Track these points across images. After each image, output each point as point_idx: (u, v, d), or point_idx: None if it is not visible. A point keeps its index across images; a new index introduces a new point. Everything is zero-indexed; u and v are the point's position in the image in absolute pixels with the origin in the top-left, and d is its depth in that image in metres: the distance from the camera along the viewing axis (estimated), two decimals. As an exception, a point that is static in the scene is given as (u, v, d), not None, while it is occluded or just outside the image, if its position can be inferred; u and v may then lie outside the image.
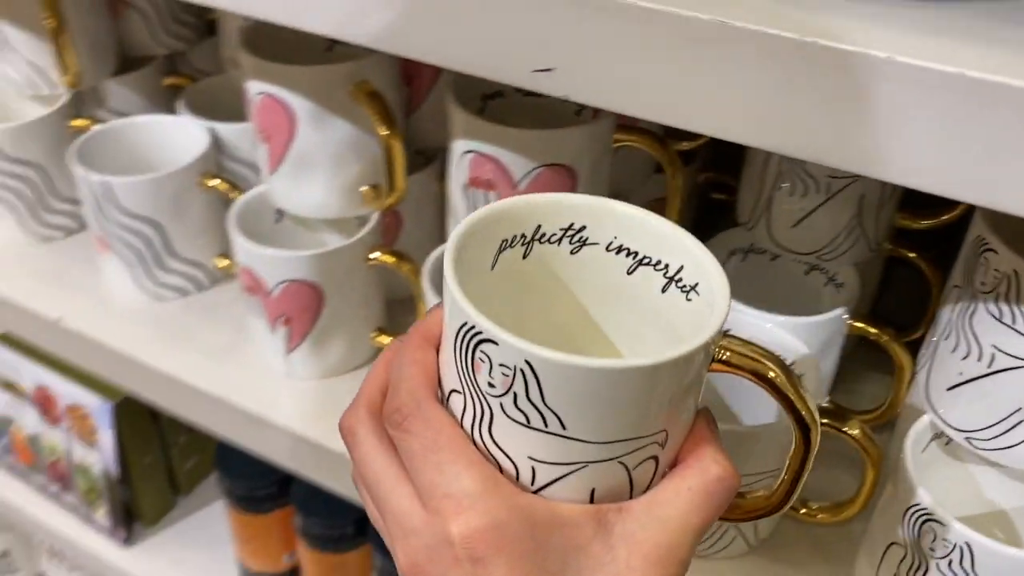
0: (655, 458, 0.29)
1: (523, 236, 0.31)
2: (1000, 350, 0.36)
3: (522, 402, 0.27)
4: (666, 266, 0.31)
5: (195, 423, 0.58)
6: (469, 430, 0.29)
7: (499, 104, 0.48)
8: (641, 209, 0.31)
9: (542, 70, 0.32)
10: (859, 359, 0.54)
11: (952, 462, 0.42)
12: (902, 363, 0.47)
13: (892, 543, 0.40)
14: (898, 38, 0.27)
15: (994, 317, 0.36)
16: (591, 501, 0.29)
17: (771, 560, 0.46)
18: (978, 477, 0.43)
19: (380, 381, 0.32)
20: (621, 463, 0.28)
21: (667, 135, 0.45)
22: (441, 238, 0.60)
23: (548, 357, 0.26)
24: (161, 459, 0.79)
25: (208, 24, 0.71)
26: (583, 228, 0.32)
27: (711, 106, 0.30)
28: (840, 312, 0.47)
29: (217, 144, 0.61)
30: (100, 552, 0.79)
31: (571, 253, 0.32)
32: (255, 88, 0.49)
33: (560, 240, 0.32)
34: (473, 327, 0.27)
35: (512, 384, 0.27)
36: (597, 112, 0.44)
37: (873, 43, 0.26)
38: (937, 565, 0.38)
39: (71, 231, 0.67)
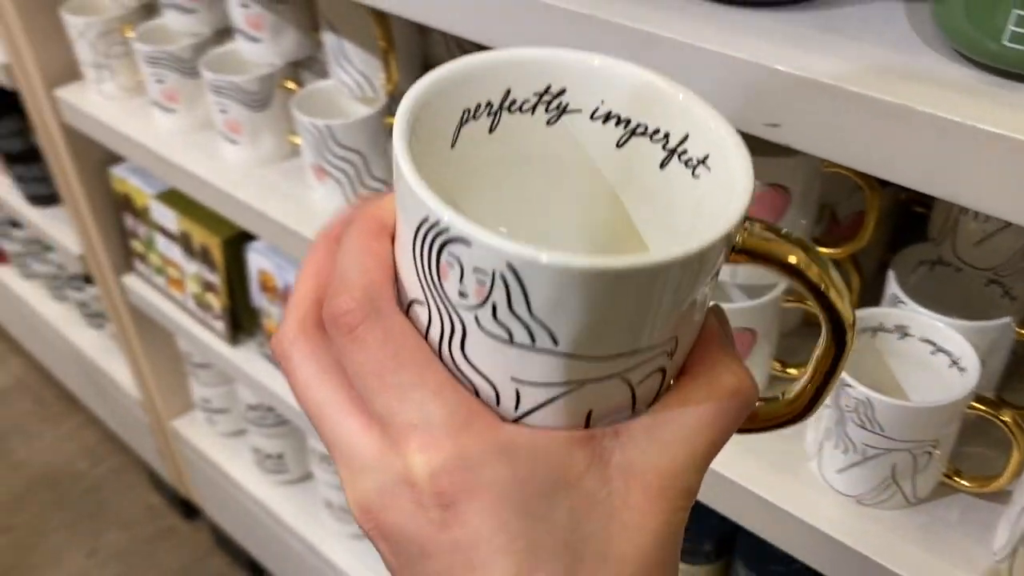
0: (662, 370, 0.25)
1: (488, 104, 0.26)
2: None
3: (503, 314, 0.22)
4: (666, 135, 0.26)
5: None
6: (436, 348, 0.24)
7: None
8: (635, 66, 0.26)
9: (771, 124, 0.44)
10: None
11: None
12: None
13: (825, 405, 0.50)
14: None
15: None
16: (586, 426, 0.25)
17: (926, 516, 0.57)
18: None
19: (315, 287, 0.26)
20: (624, 379, 0.24)
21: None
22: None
23: (537, 259, 0.21)
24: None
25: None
26: (562, 92, 0.26)
27: (908, 159, 0.41)
28: (1008, 320, 0.56)
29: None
30: (213, 346, 0.99)
31: (548, 124, 0.27)
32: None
33: (534, 108, 0.27)
34: (437, 223, 0.21)
35: (490, 293, 0.22)
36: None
37: None
38: (850, 418, 0.47)
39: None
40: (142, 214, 1.13)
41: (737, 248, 0.25)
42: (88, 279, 1.45)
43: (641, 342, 0.23)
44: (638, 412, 0.25)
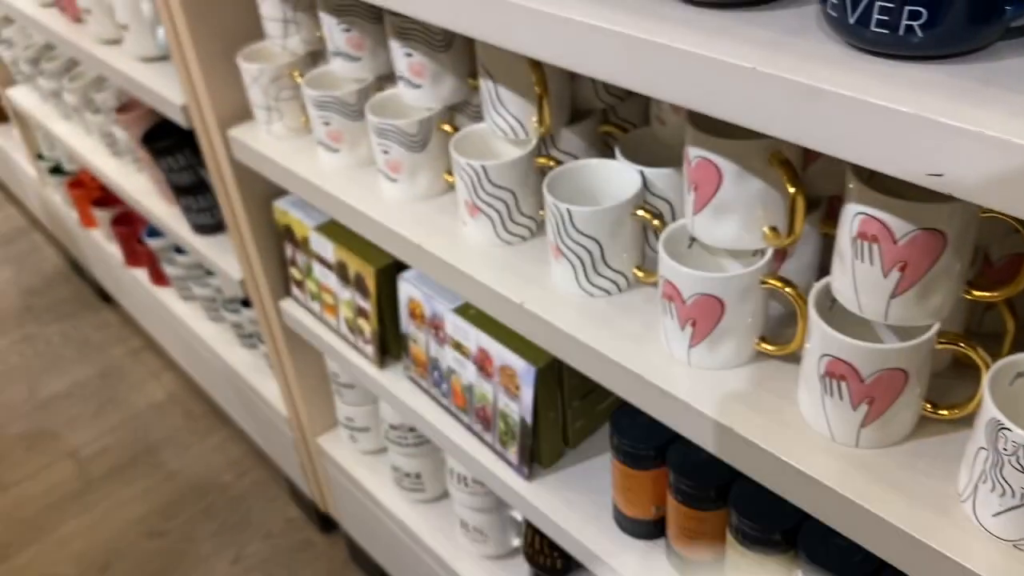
0: None
1: None
2: None
3: None
4: None
5: (610, 388, 0.78)
6: None
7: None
8: None
9: (934, 175, 0.46)
10: None
11: None
12: None
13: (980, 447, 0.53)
14: None
15: None
16: None
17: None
18: None
19: None
20: None
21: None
22: (817, 268, 0.75)
23: None
24: (559, 417, 1.01)
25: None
26: None
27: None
28: None
29: (644, 183, 0.80)
30: (508, 481, 1.02)
31: None
32: (693, 152, 0.67)
33: None
34: None
35: None
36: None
37: None
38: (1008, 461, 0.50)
39: (526, 238, 0.90)
40: (302, 244, 1.21)
41: None
42: (246, 302, 1.55)
43: None
44: None
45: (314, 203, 1.08)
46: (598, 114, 0.90)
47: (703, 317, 0.70)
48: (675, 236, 0.73)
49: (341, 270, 1.16)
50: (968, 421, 0.61)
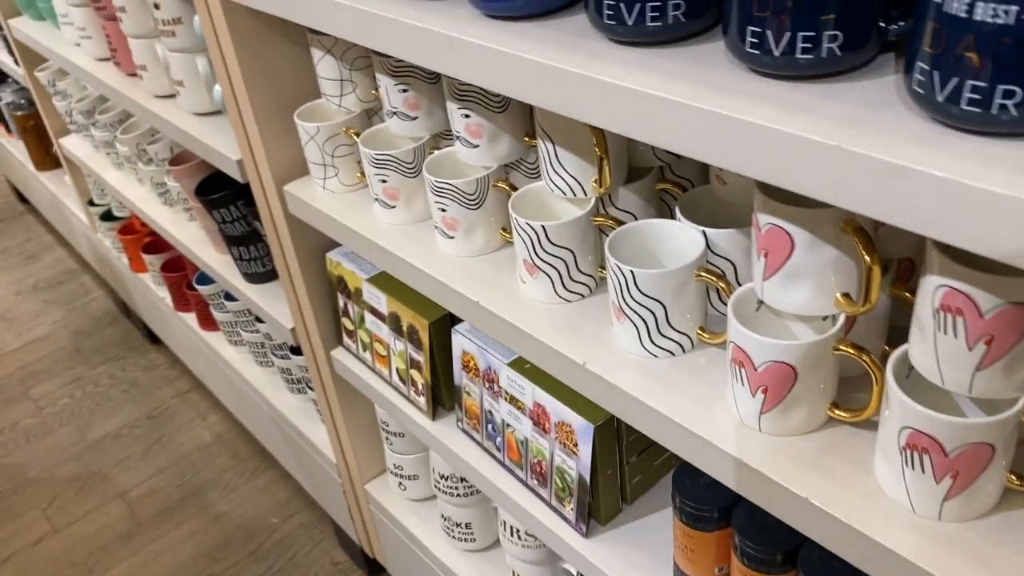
0: None
1: None
2: None
3: None
4: None
5: (677, 452, 0.77)
6: None
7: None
8: None
9: (1030, 257, 0.45)
10: None
11: None
12: None
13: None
14: None
15: None
16: None
17: None
18: None
19: None
20: None
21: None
22: (888, 335, 0.73)
23: None
24: (617, 473, 1.00)
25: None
26: None
27: None
28: None
29: (706, 243, 0.79)
30: (565, 538, 1.01)
31: None
32: (764, 219, 0.66)
33: None
34: None
35: None
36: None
37: None
38: None
39: (585, 296, 0.89)
40: (354, 295, 1.22)
41: None
42: (294, 349, 1.56)
43: None
44: None
45: (370, 258, 1.08)
46: (655, 172, 0.90)
47: (775, 384, 0.69)
48: (742, 299, 0.72)
49: (394, 322, 1.16)
50: (1057, 496, 0.59)
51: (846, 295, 0.66)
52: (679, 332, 0.79)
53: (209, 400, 2.23)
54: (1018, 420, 0.59)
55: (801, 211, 0.63)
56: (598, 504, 1.00)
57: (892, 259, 0.72)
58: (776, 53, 0.55)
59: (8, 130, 2.81)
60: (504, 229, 0.97)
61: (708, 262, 0.80)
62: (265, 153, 1.16)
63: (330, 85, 1.07)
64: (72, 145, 2.10)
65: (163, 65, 1.36)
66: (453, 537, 1.39)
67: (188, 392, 2.28)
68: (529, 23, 0.72)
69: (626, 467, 1.00)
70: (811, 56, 0.54)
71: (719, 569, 0.90)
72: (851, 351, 0.67)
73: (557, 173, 0.86)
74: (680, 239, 0.81)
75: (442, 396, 1.18)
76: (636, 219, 0.89)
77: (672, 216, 0.90)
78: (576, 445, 0.95)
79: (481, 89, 0.89)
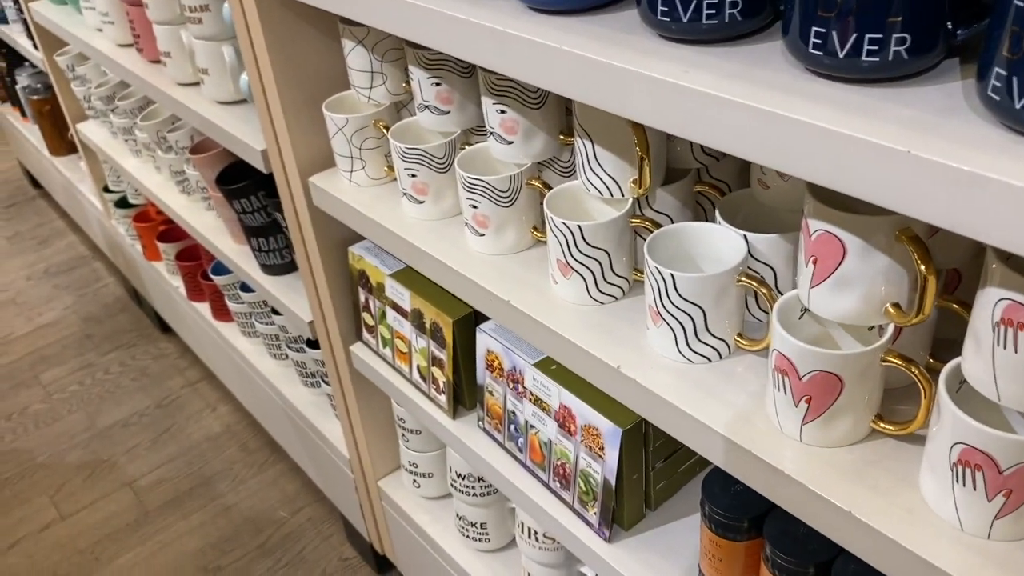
0: None
1: None
2: None
3: None
4: None
5: (713, 460, 0.75)
6: None
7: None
8: None
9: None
10: None
11: None
12: None
13: None
14: None
15: None
16: None
17: None
18: None
19: None
20: None
21: None
22: (933, 348, 0.72)
23: None
24: (642, 479, 0.98)
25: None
26: None
27: None
28: None
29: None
30: (587, 542, 1.00)
31: None
32: (815, 225, 0.64)
33: None
34: None
35: None
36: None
37: None
38: None
39: (618, 298, 0.88)
40: (376, 290, 1.21)
41: None
42: (310, 342, 1.55)
43: None
44: None
45: (396, 253, 1.07)
46: (693, 174, 0.88)
47: (820, 394, 0.67)
48: (786, 307, 0.71)
49: (417, 318, 1.15)
50: (1113, 517, 0.58)
51: (896, 305, 0.65)
52: (717, 338, 0.78)
53: (219, 391, 2.22)
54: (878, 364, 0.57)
55: (856, 218, 0.62)
56: (622, 509, 0.98)
57: (940, 269, 0.71)
58: (840, 55, 0.53)
59: (23, 114, 2.80)
60: (535, 228, 0.96)
61: (748, 267, 0.78)
62: (291, 143, 1.14)
63: (360, 77, 1.06)
64: (89, 131, 2.09)
65: (188, 52, 1.34)
66: (467, 536, 1.38)
67: (198, 382, 2.27)
68: (575, 18, 0.70)
69: (651, 472, 0.98)
70: (876, 59, 0.53)
71: (747, 579, 0.89)
72: (900, 363, 0.65)
73: (594, 172, 0.84)
74: (720, 243, 0.79)
75: (463, 395, 1.17)
76: (672, 221, 0.87)
77: (707, 219, 0.89)
78: (603, 449, 0.94)
79: (518, 84, 0.87)
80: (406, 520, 1.49)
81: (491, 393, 1.11)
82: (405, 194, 1.03)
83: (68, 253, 2.89)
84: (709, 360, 0.79)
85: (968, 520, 0.61)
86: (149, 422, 2.18)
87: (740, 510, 0.85)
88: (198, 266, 1.87)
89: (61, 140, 2.56)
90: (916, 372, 0.65)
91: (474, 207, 0.93)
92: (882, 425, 0.69)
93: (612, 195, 0.85)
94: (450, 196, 1.02)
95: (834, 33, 0.53)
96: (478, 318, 1.10)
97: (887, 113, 0.52)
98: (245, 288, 1.71)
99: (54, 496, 2.01)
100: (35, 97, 2.53)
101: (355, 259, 1.23)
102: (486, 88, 0.89)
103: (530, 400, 1.03)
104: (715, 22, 0.61)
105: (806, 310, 0.72)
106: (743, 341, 0.78)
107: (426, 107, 0.99)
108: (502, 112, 0.89)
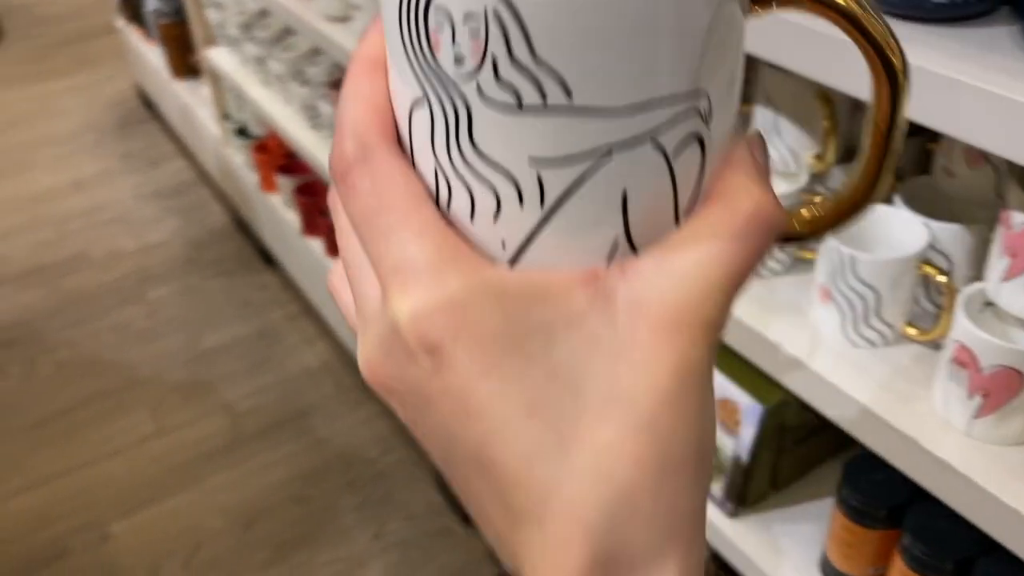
0: (698, 139, 0.22)
1: None
2: None
3: (505, 69, 0.20)
4: None
5: (872, 447, 0.74)
6: (446, 155, 0.22)
7: None
8: None
9: None
10: None
11: None
12: None
13: None
14: None
15: None
16: (624, 211, 0.22)
17: None
18: None
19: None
20: (656, 145, 0.21)
21: None
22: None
23: None
24: (771, 458, 0.98)
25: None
26: None
27: None
28: None
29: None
30: (709, 515, 1.00)
31: None
32: (1020, 218, 0.63)
33: None
34: None
35: (487, 44, 0.20)
36: None
37: None
38: None
39: (777, 273, 0.87)
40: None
41: None
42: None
43: (661, 85, 0.21)
44: (683, 206, 0.23)
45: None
46: (870, 154, 0.86)
47: (999, 389, 0.66)
48: (970, 299, 0.69)
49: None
50: None
51: (1099, 308, 0.63)
52: (885, 324, 0.76)
53: (317, 326, 2.27)
54: None
55: (1074, 214, 0.60)
56: (748, 486, 0.98)
57: None
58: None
59: (148, 36, 2.87)
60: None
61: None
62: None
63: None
64: (218, 57, 2.13)
65: (342, -12, 1.36)
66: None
67: (297, 316, 2.33)
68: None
69: (784, 453, 0.98)
70: None
71: (874, 569, 0.88)
72: (1094, 367, 0.63)
73: (772, 143, 0.83)
74: (896, 228, 0.78)
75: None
76: (843, 201, 0.86)
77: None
78: (738, 424, 0.94)
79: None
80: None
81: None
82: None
83: (177, 177, 2.96)
84: (873, 345, 0.78)
85: None
86: (248, 350, 2.24)
87: (880, 499, 0.84)
88: (316, 202, 1.90)
89: (184, 64, 2.62)
90: (1113, 379, 0.63)
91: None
92: (1062, 428, 0.67)
93: (787, 168, 0.83)
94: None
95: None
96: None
97: None
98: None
99: (155, 411, 2.09)
100: (163, 20, 2.59)
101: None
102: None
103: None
104: (944, 2, 0.59)
105: (988, 304, 0.70)
106: (911, 330, 0.77)
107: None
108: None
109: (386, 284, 0.22)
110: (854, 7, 0.22)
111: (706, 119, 0.22)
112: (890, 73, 0.23)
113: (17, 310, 2.41)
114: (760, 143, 0.25)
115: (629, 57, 0.20)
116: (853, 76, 0.61)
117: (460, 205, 0.23)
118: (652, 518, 0.22)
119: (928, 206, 0.80)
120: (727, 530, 0.98)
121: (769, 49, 0.66)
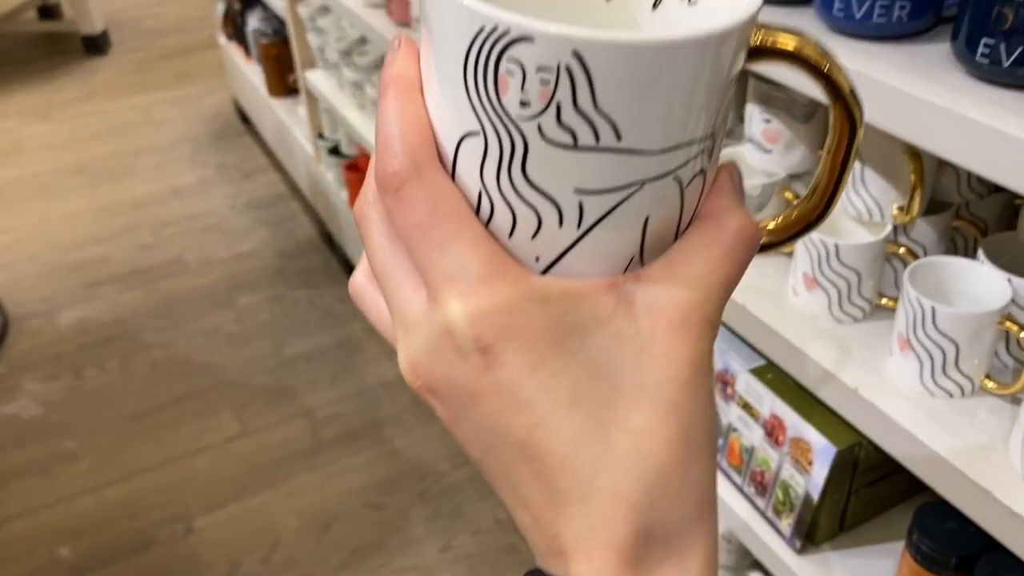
0: (703, 174, 0.26)
1: None
2: None
3: (568, 114, 0.23)
4: None
5: (945, 496, 0.76)
6: (495, 180, 0.25)
7: None
8: None
9: None
10: None
11: None
12: None
13: None
14: None
15: None
16: (643, 233, 0.26)
17: None
18: None
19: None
20: (675, 179, 0.25)
21: None
22: None
23: (605, 41, 0.21)
24: (843, 499, 0.99)
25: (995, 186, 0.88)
26: None
27: None
28: None
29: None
30: (775, 549, 1.02)
31: None
32: (1107, 281, 0.64)
33: None
34: (495, 29, 0.22)
35: (555, 92, 0.22)
36: None
37: None
38: None
39: (857, 320, 0.89)
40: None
41: (757, 46, 0.26)
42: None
43: (689, 131, 0.24)
44: (682, 225, 0.27)
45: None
46: (954, 208, 0.88)
47: (1076, 448, 0.67)
48: (1052, 357, 0.71)
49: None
50: None
51: None
52: (964, 375, 0.78)
53: (396, 340, 2.34)
54: None
55: None
56: (816, 525, 1.00)
57: None
58: None
59: (248, 54, 3.00)
60: (778, 238, 0.98)
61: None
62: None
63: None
64: (316, 79, 2.23)
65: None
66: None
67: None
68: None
69: (854, 494, 0.99)
70: None
71: (943, 616, 0.89)
72: None
73: (856, 192, 0.85)
74: (979, 282, 0.79)
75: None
76: (926, 253, 0.88)
77: (959, 255, 0.88)
78: (811, 463, 0.96)
79: (789, 96, 0.89)
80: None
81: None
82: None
83: (269, 190, 3.09)
84: (950, 396, 0.79)
85: None
86: (330, 359, 2.32)
87: (951, 547, 0.85)
88: (402, 221, 1.97)
89: (281, 83, 2.73)
90: None
91: (722, 210, 0.96)
92: None
93: (871, 218, 0.86)
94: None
95: None
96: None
97: None
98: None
99: (240, 413, 2.18)
100: (264, 40, 2.71)
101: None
102: (755, 96, 0.92)
103: (738, 404, 1.06)
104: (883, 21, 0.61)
105: (1071, 363, 0.71)
106: (990, 383, 0.78)
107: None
108: (767, 122, 0.91)
109: (438, 290, 0.25)
110: (824, 64, 0.26)
111: (711, 155, 0.26)
112: (851, 121, 0.28)
113: (117, 309, 2.54)
114: (736, 169, 0.29)
115: (672, 108, 0.23)
116: (942, 138, 0.63)
117: (501, 222, 0.26)
118: (682, 494, 0.26)
119: (1012, 261, 0.81)
120: (793, 566, 1.00)
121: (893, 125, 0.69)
